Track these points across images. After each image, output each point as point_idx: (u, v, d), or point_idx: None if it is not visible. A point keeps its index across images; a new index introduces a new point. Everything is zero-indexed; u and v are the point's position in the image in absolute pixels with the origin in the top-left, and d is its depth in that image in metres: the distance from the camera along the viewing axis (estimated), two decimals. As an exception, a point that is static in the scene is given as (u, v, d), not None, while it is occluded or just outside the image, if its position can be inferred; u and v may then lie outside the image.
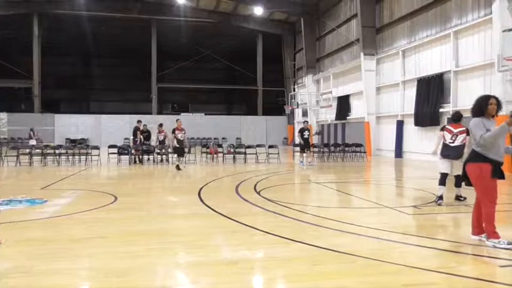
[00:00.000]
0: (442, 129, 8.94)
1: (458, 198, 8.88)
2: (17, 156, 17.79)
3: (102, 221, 7.04)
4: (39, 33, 36.81)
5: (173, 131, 16.18)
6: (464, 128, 8.58)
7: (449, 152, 8.68)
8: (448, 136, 8.68)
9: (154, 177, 14.67)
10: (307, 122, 19.73)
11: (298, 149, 18.76)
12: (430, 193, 9.83)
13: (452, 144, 8.59)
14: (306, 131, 17.90)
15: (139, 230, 6.33)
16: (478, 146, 5.36)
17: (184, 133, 16.30)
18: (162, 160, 19.46)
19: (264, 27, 39.60)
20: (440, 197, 8.51)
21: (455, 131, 8.64)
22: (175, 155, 16.71)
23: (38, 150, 19.25)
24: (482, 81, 17.05)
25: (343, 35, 28.96)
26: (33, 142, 24.57)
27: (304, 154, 17.77)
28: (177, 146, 16.17)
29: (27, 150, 19.01)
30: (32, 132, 26.95)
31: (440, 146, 8.90)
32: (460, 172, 7.86)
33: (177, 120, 16.61)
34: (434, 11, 19.97)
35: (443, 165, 8.80)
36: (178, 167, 16.04)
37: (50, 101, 42.45)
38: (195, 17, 37.63)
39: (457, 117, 8.86)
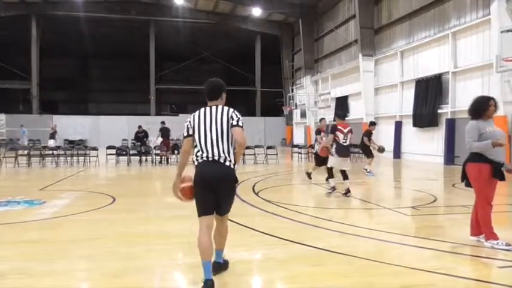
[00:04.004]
0: (333, 131, 9.56)
1: (348, 192, 9.47)
2: (15, 157, 17.76)
3: (100, 222, 7.03)
4: (37, 35, 36.78)
5: (318, 132, 12.93)
6: (350, 128, 9.70)
7: (345, 151, 9.61)
8: (341, 136, 9.49)
9: (153, 178, 14.66)
10: (376, 123, 16.04)
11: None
12: (428, 194, 9.83)
13: (345, 144, 9.54)
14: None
15: (137, 231, 6.33)
16: (470, 151, 5.39)
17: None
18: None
19: (262, 28, 39.60)
20: (334, 188, 9.59)
21: (345, 130, 9.53)
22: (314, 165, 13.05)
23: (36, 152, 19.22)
24: (480, 82, 17.06)
25: (341, 36, 28.97)
26: (53, 143, 23.88)
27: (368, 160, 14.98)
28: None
29: (26, 152, 19.00)
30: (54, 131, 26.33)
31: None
32: (347, 168, 9.45)
33: (321, 120, 13.55)
34: (433, 11, 19.99)
35: (335, 161, 9.62)
36: (328, 179, 11.02)
37: (48, 102, 42.39)
38: (193, 18, 37.64)
39: (343, 115, 10.09)
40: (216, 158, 4.02)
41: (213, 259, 4.16)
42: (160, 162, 19.15)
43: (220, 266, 4.38)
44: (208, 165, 4.04)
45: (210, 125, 4.07)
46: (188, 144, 4.19)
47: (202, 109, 4.19)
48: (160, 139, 19.77)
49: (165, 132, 19.97)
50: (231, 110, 4.15)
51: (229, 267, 4.54)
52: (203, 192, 4.10)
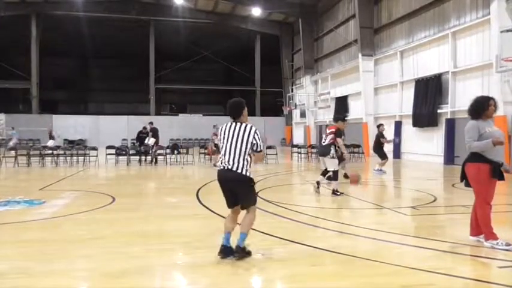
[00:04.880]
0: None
1: (335, 192, 9.67)
2: (15, 157, 17.76)
3: (100, 221, 7.03)
4: (37, 34, 36.76)
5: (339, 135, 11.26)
6: (333, 129, 9.90)
7: (320, 151, 10.26)
8: (323, 137, 10.21)
9: (153, 178, 14.66)
10: (382, 124, 16.14)
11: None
12: (428, 194, 9.84)
13: (323, 143, 10.02)
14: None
15: (137, 231, 6.32)
16: (469, 151, 5.38)
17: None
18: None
19: (262, 28, 39.59)
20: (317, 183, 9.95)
21: (328, 131, 10.03)
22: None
23: (36, 152, 19.21)
24: (480, 82, 17.06)
25: (341, 36, 28.96)
26: (52, 143, 23.83)
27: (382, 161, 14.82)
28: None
29: (25, 152, 18.99)
30: (52, 133, 26.27)
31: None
32: (333, 168, 9.72)
33: (344, 119, 11.52)
34: (433, 11, 19.99)
35: (321, 163, 10.45)
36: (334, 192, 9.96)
37: (48, 102, 42.36)
38: (193, 17, 37.62)
39: (334, 119, 10.52)
40: (230, 166, 4.86)
41: (232, 234, 4.95)
42: (156, 162, 19.05)
43: (238, 250, 4.85)
44: (224, 172, 4.94)
45: (232, 140, 4.89)
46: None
47: (229, 124, 5.01)
48: (152, 139, 19.58)
49: (155, 132, 19.78)
50: (253, 131, 4.91)
51: (229, 267, 4.54)
52: (223, 191, 5.06)
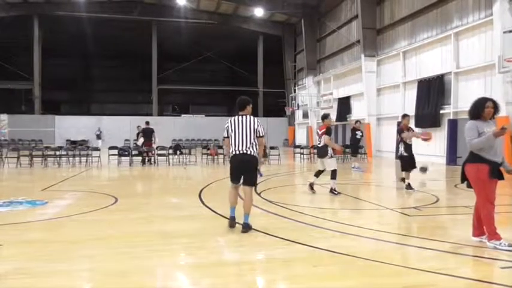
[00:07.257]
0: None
1: (332, 191, 9.80)
2: (18, 157, 17.79)
3: (102, 222, 7.04)
4: (39, 35, 36.87)
5: (400, 131, 11.05)
6: (324, 129, 9.88)
7: (319, 152, 10.08)
8: (317, 138, 10.09)
9: (155, 179, 14.67)
10: (360, 121, 17.25)
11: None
12: (430, 194, 9.82)
13: (319, 145, 9.98)
14: (359, 132, 16.30)
15: (139, 231, 6.33)
16: (471, 149, 5.38)
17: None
18: None
19: (265, 28, 39.62)
20: (311, 186, 10.06)
21: (320, 132, 9.91)
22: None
23: (38, 152, 19.22)
24: (482, 82, 17.04)
25: (343, 36, 28.96)
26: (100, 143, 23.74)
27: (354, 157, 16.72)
28: (406, 154, 11.06)
29: (28, 152, 19.02)
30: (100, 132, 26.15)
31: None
32: (332, 167, 9.70)
33: (404, 117, 11.39)
34: (435, 12, 19.98)
35: (318, 163, 10.38)
36: (409, 186, 10.65)
37: (51, 102, 42.45)
38: (196, 18, 37.67)
39: (322, 117, 10.27)
40: (244, 151, 6.15)
41: (237, 211, 6.33)
42: (150, 163, 18.94)
43: (247, 226, 6.16)
44: (241, 155, 6.18)
45: (241, 130, 6.20)
46: (227, 142, 6.42)
47: (236, 117, 6.30)
48: (141, 140, 19.26)
49: (145, 133, 19.34)
50: (257, 121, 6.28)
51: (231, 268, 4.55)
52: (235, 170, 6.30)
